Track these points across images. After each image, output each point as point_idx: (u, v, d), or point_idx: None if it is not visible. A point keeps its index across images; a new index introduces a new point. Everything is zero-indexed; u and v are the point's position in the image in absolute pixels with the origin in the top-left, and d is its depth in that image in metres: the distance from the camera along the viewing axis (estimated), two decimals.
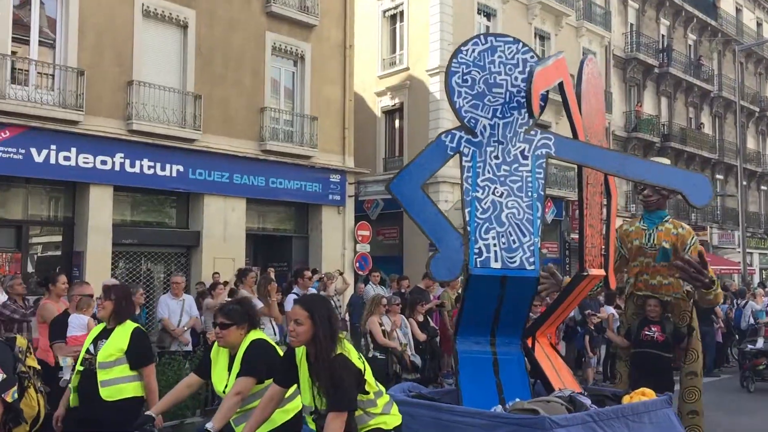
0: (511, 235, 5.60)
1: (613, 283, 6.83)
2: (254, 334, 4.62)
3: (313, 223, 21.83)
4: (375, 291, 14.39)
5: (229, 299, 10.08)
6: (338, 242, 21.96)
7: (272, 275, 13.74)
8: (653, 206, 7.54)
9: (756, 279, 36.42)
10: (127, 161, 17.03)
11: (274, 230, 21.43)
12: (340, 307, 14.13)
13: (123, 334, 5.33)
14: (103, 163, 16.64)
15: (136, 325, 5.50)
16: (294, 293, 11.35)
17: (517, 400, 5.32)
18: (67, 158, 16.07)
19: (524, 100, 5.66)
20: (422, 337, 11.47)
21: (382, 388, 4.30)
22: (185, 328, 11.54)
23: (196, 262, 18.62)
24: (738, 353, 15.33)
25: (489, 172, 5.71)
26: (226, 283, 13.08)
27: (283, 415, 4.49)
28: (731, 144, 37.84)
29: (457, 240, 5.62)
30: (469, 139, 5.82)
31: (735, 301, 19.02)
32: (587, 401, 5.45)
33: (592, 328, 14.63)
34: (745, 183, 34.71)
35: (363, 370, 4.03)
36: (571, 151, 5.89)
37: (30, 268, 16.44)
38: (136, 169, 17.21)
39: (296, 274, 12.94)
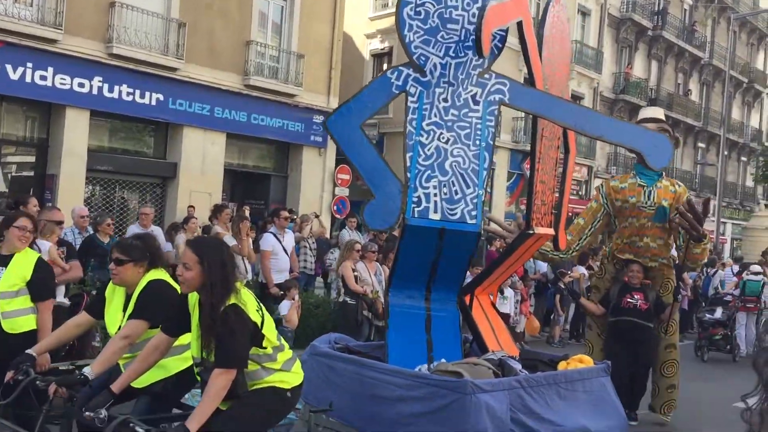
0: (453, 186, 5.04)
1: (563, 243, 6.29)
2: (154, 274, 4.06)
3: (294, 163, 21.21)
4: (351, 236, 13.88)
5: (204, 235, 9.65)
6: (317, 184, 21.38)
7: (247, 213, 13.23)
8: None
9: (727, 248, 36.13)
10: (106, 86, 16.30)
11: (254, 167, 20.79)
12: (314, 250, 13.61)
13: (26, 262, 4.78)
14: (81, 85, 15.91)
15: (38, 254, 4.96)
16: (271, 232, 10.87)
17: (443, 360, 4.83)
18: (43, 77, 15.33)
19: None
20: None
21: (285, 343, 3.79)
22: None
23: (171, 194, 18.04)
24: (696, 321, 14.98)
25: (436, 116, 5.11)
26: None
27: (179, 363, 3.98)
28: (716, 113, 37.09)
29: (395, 187, 5.06)
30: (417, 78, 5.17)
31: (705, 269, 18.62)
32: (517, 366, 4.97)
33: (563, 287, 14.31)
34: (726, 153, 34.13)
35: (261, 323, 3.52)
36: (527, 99, 5.28)
37: (3, 187, 15.86)
38: (115, 95, 16.49)
39: (273, 213, 12.37)
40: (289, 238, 11.07)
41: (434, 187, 5.02)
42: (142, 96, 16.95)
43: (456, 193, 5.03)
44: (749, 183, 42.77)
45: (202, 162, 18.34)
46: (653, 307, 6.95)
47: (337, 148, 22.18)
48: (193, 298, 3.57)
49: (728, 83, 33.16)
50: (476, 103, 5.13)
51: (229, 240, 9.48)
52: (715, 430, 7.37)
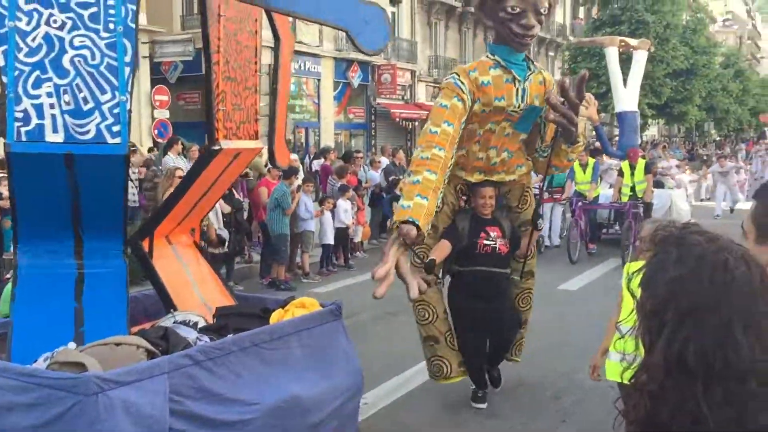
0: (80, 91, 3.19)
1: (282, 158, 4.67)
2: None
3: None
4: (174, 162, 11.76)
5: None
6: (133, 108, 18.61)
7: None
8: (528, 45, 4.31)
9: None
10: None
11: None
12: (136, 181, 11.49)
13: None
14: None
15: None
16: None
17: (64, 347, 3.08)
18: None
19: None
20: (227, 209, 9.58)
21: None
22: None
23: None
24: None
25: None
26: None
27: None
28: None
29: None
30: None
31: None
32: (191, 335, 3.36)
33: (398, 192, 13.07)
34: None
35: None
36: None
37: None
38: None
39: None
40: None
41: (49, 96, 3.14)
42: None
43: (85, 102, 3.19)
44: (557, 77, 43.03)
45: None
46: (511, 242, 4.72)
47: (151, 66, 19.23)
48: None
49: None
50: None
51: None
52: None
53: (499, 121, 4.31)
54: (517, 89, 4.25)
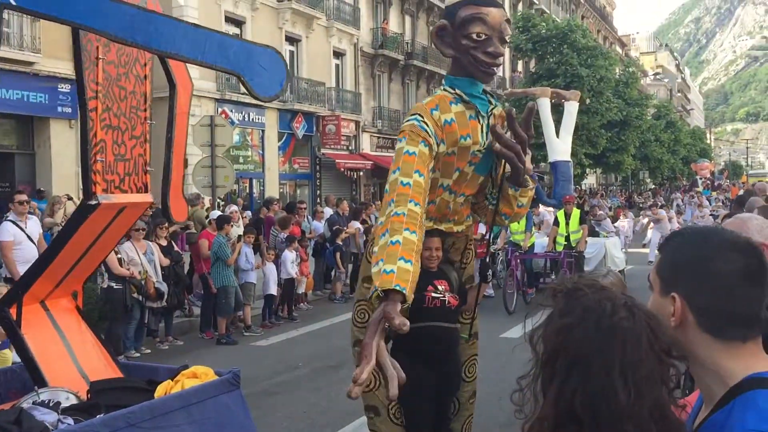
0: None
1: (178, 213, 4.34)
2: None
3: (41, 138, 18.00)
4: None
5: None
6: (71, 160, 18.26)
7: None
8: (494, 74, 3.76)
9: None
10: None
11: None
12: None
13: None
14: None
15: None
16: (10, 220, 8.40)
17: None
18: None
19: None
20: (165, 261, 9.51)
21: None
22: None
23: None
24: None
25: None
26: None
27: None
28: None
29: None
30: None
31: None
32: (50, 417, 3.05)
33: (341, 243, 13.29)
34: None
35: None
36: None
37: None
38: None
39: (10, 198, 9.74)
40: (33, 224, 8.72)
41: None
42: None
43: None
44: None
45: None
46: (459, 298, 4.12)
47: None
48: None
49: None
50: None
51: None
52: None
53: (463, 167, 3.66)
54: (482, 126, 3.62)
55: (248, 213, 16.82)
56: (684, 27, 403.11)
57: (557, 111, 14.87)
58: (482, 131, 3.61)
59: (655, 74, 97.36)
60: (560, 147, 14.03)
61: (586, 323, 1.26)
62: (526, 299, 12.43)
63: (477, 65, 3.50)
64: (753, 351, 1.36)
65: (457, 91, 3.59)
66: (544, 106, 14.31)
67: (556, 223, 12.76)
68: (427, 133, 3.44)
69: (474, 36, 3.43)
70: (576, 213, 12.65)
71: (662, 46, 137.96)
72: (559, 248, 12.49)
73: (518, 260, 12.45)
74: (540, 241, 13.80)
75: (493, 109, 3.71)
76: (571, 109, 14.63)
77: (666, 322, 1.34)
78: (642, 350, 1.24)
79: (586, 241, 12.69)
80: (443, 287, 4.00)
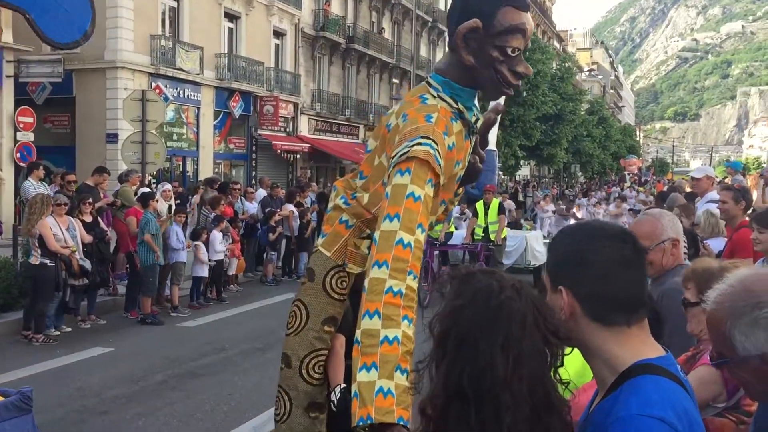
0: None
1: None
2: None
3: None
4: (36, 189, 11.04)
5: None
6: None
7: None
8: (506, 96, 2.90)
9: None
10: None
11: None
12: None
13: None
14: None
15: None
16: None
17: None
18: None
19: None
20: (88, 238, 9.13)
21: None
22: None
23: None
24: None
25: None
26: None
27: None
28: (407, 50, 37.47)
29: None
30: None
31: None
32: None
33: (275, 224, 13.13)
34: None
35: None
36: None
37: None
38: None
39: None
40: None
41: None
42: None
43: None
44: None
45: None
46: None
47: (16, 86, 18.16)
48: None
49: (416, 22, 33.47)
50: None
51: None
52: None
53: (449, 199, 2.95)
54: (468, 132, 2.85)
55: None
56: (620, 25, 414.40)
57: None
58: (467, 151, 2.87)
59: (590, 70, 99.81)
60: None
61: (475, 303, 1.33)
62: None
63: (500, 84, 2.71)
64: (640, 336, 1.43)
65: (460, 105, 2.75)
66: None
67: (475, 213, 12.21)
68: (439, 167, 2.53)
69: (508, 50, 2.68)
70: (495, 203, 12.08)
71: (598, 43, 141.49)
72: (478, 239, 11.97)
73: (433, 252, 11.97)
74: (459, 232, 13.17)
75: (477, 122, 2.94)
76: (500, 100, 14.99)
77: (557, 312, 1.41)
78: (526, 328, 1.30)
79: (504, 236, 12.14)
80: None
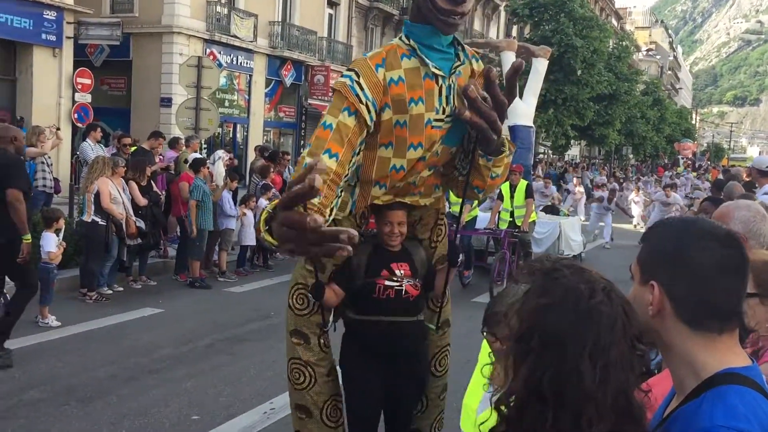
0: None
1: None
2: None
3: (23, 65, 17.57)
4: (94, 150, 11.35)
5: None
6: (53, 89, 17.93)
7: None
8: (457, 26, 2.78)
9: None
10: None
11: None
12: (51, 166, 10.95)
13: None
14: None
15: None
16: None
17: None
18: None
19: None
20: (143, 201, 9.37)
21: None
22: None
23: None
24: None
25: None
26: None
27: None
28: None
29: None
30: None
31: None
32: None
33: None
34: None
35: None
36: None
37: None
38: None
39: None
40: None
41: None
42: None
43: None
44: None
45: None
46: (424, 282, 3.29)
47: (75, 48, 18.51)
48: None
49: None
50: None
51: None
52: None
53: (419, 143, 2.88)
54: (440, 87, 2.83)
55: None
56: (681, 4, 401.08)
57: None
58: (440, 95, 2.84)
59: (648, 50, 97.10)
60: (522, 109, 12.29)
61: (564, 305, 1.27)
62: (463, 281, 10.44)
63: (435, 12, 2.69)
64: (728, 345, 1.36)
65: (412, 42, 2.80)
66: (508, 61, 12.61)
67: (500, 196, 10.78)
68: (358, 98, 2.68)
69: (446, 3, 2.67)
70: (522, 185, 10.70)
71: (658, 22, 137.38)
72: (503, 225, 10.68)
73: (454, 236, 11.15)
74: (483, 215, 11.59)
75: (459, 66, 2.90)
76: (539, 67, 13.12)
77: (641, 309, 1.36)
78: (615, 335, 1.25)
79: (533, 221, 10.83)
80: (402, 272, 3.24)
